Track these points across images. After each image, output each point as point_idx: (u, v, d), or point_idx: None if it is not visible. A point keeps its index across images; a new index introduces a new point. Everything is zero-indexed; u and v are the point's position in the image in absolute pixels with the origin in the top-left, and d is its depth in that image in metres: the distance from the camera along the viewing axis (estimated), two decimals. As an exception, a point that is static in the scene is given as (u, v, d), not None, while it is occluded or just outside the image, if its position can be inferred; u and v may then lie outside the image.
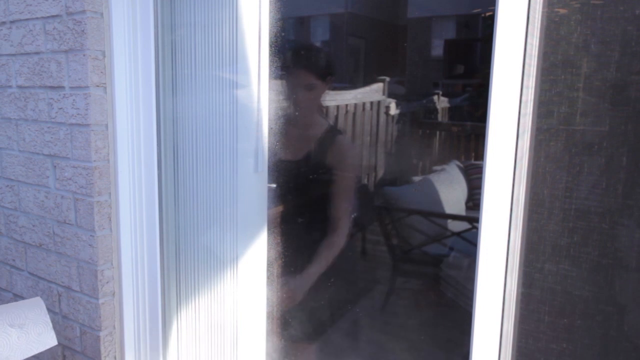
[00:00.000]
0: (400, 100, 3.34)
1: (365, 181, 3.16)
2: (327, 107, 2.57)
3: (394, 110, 3.29)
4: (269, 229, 1.69)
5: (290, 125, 1.78)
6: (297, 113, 1.84)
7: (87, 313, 1.68)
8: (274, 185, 1.75)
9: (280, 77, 1.79)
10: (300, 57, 2.23)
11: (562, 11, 1.03)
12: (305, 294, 1.86)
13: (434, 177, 3.24)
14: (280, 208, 1.85)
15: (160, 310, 1.70)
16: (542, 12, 1.04)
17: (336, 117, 2.66)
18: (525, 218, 1.10)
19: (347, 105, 2.80)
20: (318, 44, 3.38)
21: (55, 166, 1.66)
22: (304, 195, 1.93)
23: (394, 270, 2.83)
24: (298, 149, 1.86)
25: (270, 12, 1.52)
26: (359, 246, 2.90)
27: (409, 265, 2.88)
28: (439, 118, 3.78)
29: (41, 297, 1.77)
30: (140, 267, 1.68)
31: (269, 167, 1.64)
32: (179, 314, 1.76)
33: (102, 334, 1.67)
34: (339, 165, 1.87)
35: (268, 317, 1.74)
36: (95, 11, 1.51)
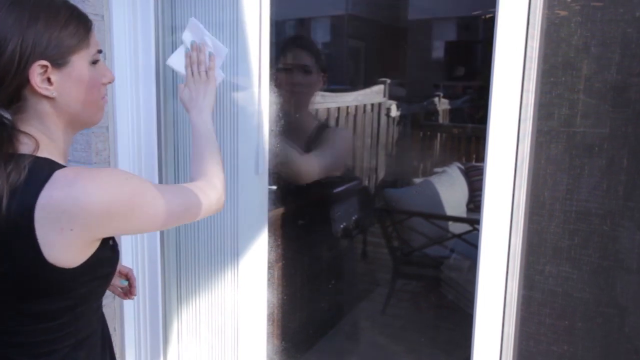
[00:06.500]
0: (401, 102, 3.34)
1: (366, 183, 3.16)
2: (327, 109, 2.57)
3: (394, 112, 3.29)
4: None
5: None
6: (291, 97, 1.80)
7: (87, 315, 1.68)
8: (274, 187, 1.75)
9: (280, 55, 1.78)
10: (302, 40, 2.27)
11: (563, 13, 1.03)
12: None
13: (434, 179, 3.24)
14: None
15: (161, 312, 1.70)
16: (543, 14, 1.04)
17: (337, 119, 2.66)
18: (526, 220, 1.10)
19: (347, 107, 2.80)
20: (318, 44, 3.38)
21: (56, 168, 1.66)
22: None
23: (394, 272, 2.82)
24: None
25: (271, 14, 1.52)
26: (360, 248, 2.90)
27: (410, 268, 2.87)
28: (440, 120, 3.78)
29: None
30: (140, 268, 1.68)
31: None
32: (179, 315, 1.76)
33: (102, 336, 1.67)
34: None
35: (269, 319, 1.74)
36: (96, 13, 1.51)
